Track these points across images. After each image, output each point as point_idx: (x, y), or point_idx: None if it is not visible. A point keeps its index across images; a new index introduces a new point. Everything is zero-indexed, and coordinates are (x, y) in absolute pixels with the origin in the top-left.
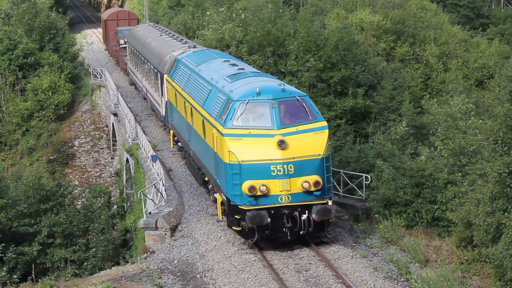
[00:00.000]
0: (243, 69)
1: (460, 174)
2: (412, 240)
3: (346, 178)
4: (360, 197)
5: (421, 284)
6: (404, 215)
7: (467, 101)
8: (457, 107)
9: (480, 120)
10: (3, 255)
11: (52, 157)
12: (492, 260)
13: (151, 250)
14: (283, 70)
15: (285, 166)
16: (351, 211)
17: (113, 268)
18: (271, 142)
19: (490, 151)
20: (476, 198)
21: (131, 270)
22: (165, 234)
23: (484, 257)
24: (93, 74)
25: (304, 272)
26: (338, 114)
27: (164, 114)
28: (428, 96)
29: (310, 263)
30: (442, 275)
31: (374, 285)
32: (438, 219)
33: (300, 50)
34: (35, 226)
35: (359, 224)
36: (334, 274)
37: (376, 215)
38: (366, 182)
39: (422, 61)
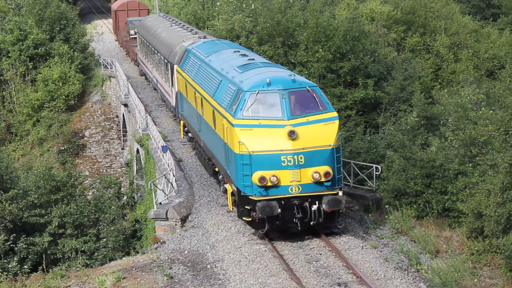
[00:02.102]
0: (253, 59)
1: (470, 164)
2: (422, 231)
3: (357, 169)
4: (371, 188)
5: (431, 274)
6: (415, 206)
7: (478, 92)
8: (468, 97)
9: (491, 111)
10: (14, 245)
11: (63, 148)
12: (502, 251)
13: (161, 241)
14: (293, 61)
15: (295, 156)
16: (361, 201)
17: (123, 258)
18: (281, 133)
19: (501, 141)
20: (487, 189)
21: (141, 260)
22: (176, 225)
23: (494, 247)
24: (103, 65)
25: (314, 262)
26: (348, 104)
27: (174, 104)
28: (438, 86)
29: (321, 254)
30: (452, 266)
31: (384, 276)
32: (448, 210)
33: (309, 41)
34: (46, 217)
35: (369, 214)
36: (344, 264)
37: (387, 206)
38: (376, 173)
39: (433, 51)
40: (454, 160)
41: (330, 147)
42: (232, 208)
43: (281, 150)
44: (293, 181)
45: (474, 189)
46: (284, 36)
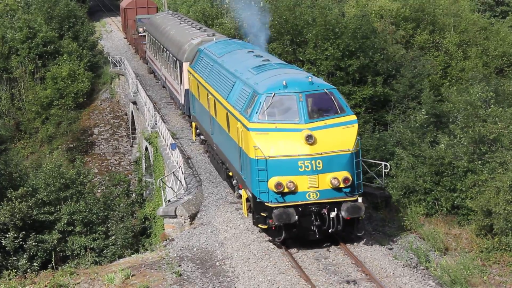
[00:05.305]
0: (268, 60)
1: (480, 162)
2: (431, 228)
3: (365, 166)
4: (380, 185)
5: (440, 272)
6: (424, 203)
7: (487, 89)
8: (477, 95)
9: (500, 108)
10: (23, 243)
11: (72, 145)
12: None
13: (170, 238)
14: (301, 58)
15: (313, 161)
16: (370, 199)
17: (132, 255)
18: (298, 137)
19: (510, 139)
20: (496, 186)
21: (150, 258)
22: (184, 222)
23: (504, 245)
24: (112, 63)
25: (323, 260)
26: (357, 102)
27: (183, 102)
28: (447, 84)
29: (329, 251)
30: (461, 263)
31: (393, 273)
32: (457, 207)
33: (318, 38)
34: (55, 214)
35: (379, 212)
36: (353, 262)
37: (396, 203)
38: (385, 170)
39: (442, 49)
40: (463, 158)
41: (349, 152)
42: (247, 215)
43: (298, 155)
44: (310, 187)
45: (483, 186)
46: (293, 34)
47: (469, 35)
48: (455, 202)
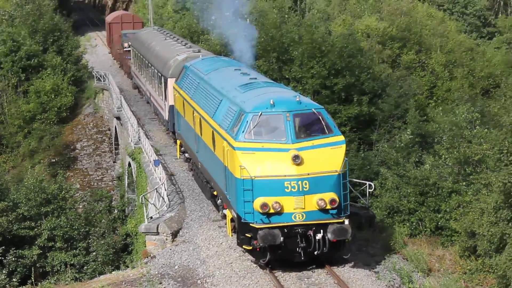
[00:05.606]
0: (256, 78)
1: (464, 183)
2: (415, 249)
3: (350, 186)
4: (364, 205)
5: None
6: (408, 224)
7: (473, 110)
8: (463, 115)
9: (486, 130)
10: (3, 258)
11: (54, 160)
12: (495, 270)
13: (151, 255)
14: (287, 76)
15: (299, 182)
16: (354, 218)
17: (113, 272)
18: (285, 157)
19: (495, 160)
20: (480, 208)
21: (131, 274)
22: (166, 239)
23: (487, 267)
24: (96, 77)
25: (306, 279)
26: (342, 121)
27: (167, 118)
28: (433, 104)
29: (312, 271)
30: (445, 285)
31: None
32: (441, 228)
33: (304, 56)
34: (36, 229)
35: (362, 232)
36: (336, 282)
37: (379, 223)
38: (369, 190)
39: (428, 69)
40: (448, 179)
41: (337, 173)
42: (232, 235)
43: (285, 176)
44: (297, 208)
45: (467, 207)
46: (279, 52)
47: (455, 55)
48: (439, 223)
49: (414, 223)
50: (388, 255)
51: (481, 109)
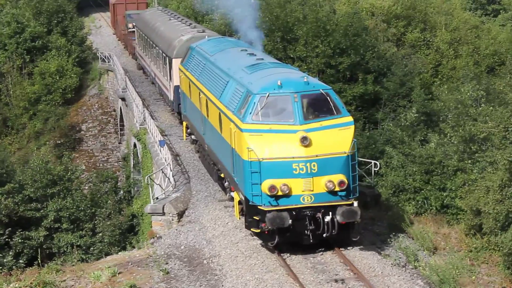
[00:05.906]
0: (262, 59)
1: (470, 161)
2: (420, 228)
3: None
4: (369, 184)
5: (429, 271)
6: (413, 202)
7: (478, 88)
8: (468, 93)
9: (491, 107)
10: (9, 239)
11: (59, 141)
12: (501, 248)
13: (158, 236)
14: (292, 56)
15: (308, 164)
16: (360, 197)
17: (119, 253)
18: (293, 139)
19: (501, 138)
20: (486, 186)
21: (137, 255)
22: (172, 220)
23: (493, 245)
24: (101, 58)
25: (311, 258)
26: (347, 100)
27: (172, 98)
28: (438, 82)
29: (318, 250)
30: (450, 263)
31: (382, 272)
32: (447, 207)
33: (309, 36)
34: (42, 211)
35: (368, 210)
36: (341, 260)
37: (385, 202)
38: (375, 169)
39: (433, 47)
40: (453, 157)
41: (345, 154)
42: (239, 218)
43: (293, 157)
44: (305, 190)
45: (473, 186)
46: (283, 31)
47: (460, 33)
48: (445, 201)
49: (419, 202)
50: (393, 233)
51: (486, 87)
